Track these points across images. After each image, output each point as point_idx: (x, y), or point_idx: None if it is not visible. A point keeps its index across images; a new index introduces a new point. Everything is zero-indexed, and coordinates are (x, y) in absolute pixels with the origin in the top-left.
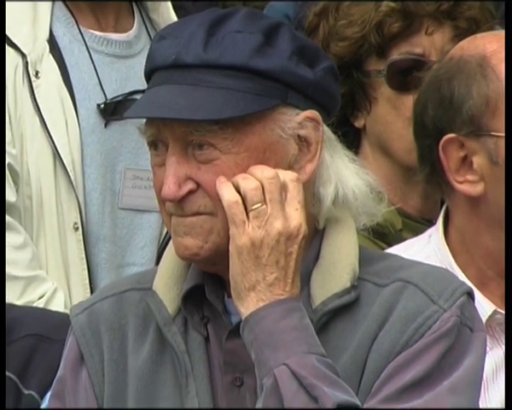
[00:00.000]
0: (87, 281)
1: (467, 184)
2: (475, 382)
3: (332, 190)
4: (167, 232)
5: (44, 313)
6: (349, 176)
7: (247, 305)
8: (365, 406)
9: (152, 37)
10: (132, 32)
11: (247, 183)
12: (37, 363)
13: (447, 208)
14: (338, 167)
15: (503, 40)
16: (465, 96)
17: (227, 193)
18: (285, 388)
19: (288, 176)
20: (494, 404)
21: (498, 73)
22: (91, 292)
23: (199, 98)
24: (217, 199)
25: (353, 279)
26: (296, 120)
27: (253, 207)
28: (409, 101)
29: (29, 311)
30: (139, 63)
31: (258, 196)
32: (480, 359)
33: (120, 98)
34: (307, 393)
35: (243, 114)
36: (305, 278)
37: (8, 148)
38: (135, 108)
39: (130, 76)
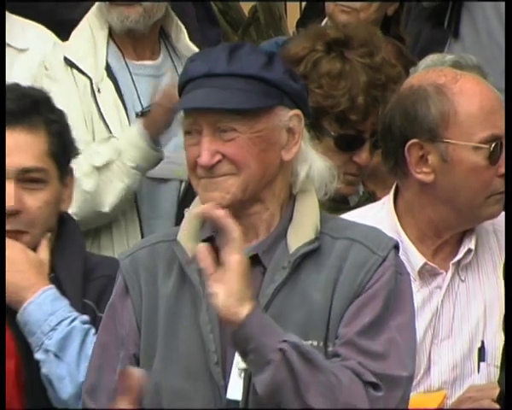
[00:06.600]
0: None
1: (422, 174)
2: (413, 318)
3: (306, 167)
4: (182, 196)
5: (114, 260)
6: (315, 159)
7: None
8: (340, 333)
9: (174, 62)
10: (160, 60)
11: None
12: (108, 295)
13: (397, 186)
14: (309, 152)
15: (450, 74)
16: (425, 113)
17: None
18: (292, 356)
19: None
20: (420, 328)
21: (450, 95)
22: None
23: (227, 96)
24: (239, 164)
25: (316, 233)
26: (288, 115)
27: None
28: None
29: (104, 258)
30: (165, 80)
31: None
32: (412, 297)
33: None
34: (303, 356)
35: (257, 106)
36: (283, 233)
37: (84, 136)
38: (184, 102)
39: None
